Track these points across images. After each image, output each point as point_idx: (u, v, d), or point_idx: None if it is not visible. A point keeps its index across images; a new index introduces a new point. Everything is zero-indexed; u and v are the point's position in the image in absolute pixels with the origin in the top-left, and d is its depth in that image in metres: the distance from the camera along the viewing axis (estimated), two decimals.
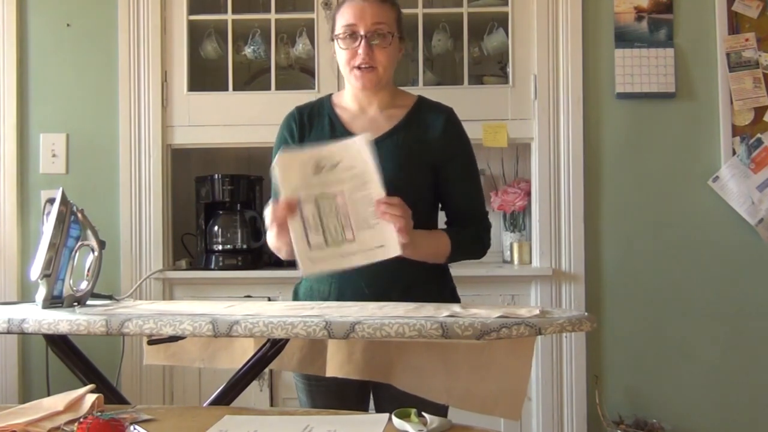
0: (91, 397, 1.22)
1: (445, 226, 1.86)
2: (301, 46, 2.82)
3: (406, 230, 1.57)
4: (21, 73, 2.81)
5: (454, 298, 1.85)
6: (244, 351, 1.73)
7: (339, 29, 1.76)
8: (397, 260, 1.59)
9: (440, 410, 1.69)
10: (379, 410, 1.83)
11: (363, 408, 1.83)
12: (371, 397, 1.86)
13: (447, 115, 1.83)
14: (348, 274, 1.66)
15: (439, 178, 1.81)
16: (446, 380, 1.57)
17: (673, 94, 2.71)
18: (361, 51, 1.73)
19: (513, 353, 1.48)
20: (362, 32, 1.73)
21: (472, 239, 1.83)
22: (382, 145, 1.70)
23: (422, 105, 1.85)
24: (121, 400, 1.62)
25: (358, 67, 1.74)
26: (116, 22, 2.78)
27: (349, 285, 1.75)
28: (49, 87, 2.82)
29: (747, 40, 2.70)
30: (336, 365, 1.65)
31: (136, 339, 2.59)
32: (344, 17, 1.75)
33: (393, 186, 1.61)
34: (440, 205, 1.88)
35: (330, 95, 1.91)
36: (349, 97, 1.85)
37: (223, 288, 2.70)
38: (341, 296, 1.76)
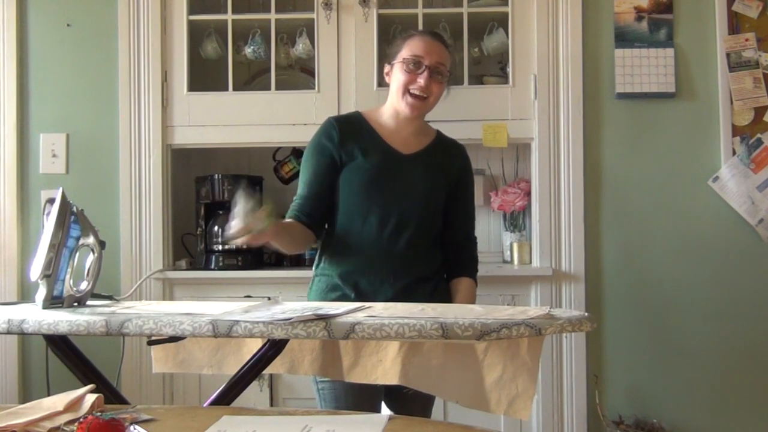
0: (91, 397, 1.21)
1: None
2: (301, 46, 2.82)
3: None
4: (21, 73, 2.81)
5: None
6: (251, 355, 1.73)
7: (407, 55, 1.96)
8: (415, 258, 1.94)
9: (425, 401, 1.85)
10: (391, 407, 1.93)
11: (378, 404, 1.92)
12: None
13: (463, 149, 2.13)
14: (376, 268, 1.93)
15: (448, 199, 2.04)
16: (457, 380, 1.59)
17: (673, 94, 2.71)
18: (422, 80, 1.94)
19: (521, 354, 1.49)
20: (427, 64, 1.94)
21: (475, 266, 2.14)
22: (417, 161, 2.00)
23: (442, 137, 2.12)
24: (121, 400, 1.62)
25: (413, 94, 1.94)
26: (116, 22, 2.78)
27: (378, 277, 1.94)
28: (49, 87, 2.82)
29: (747, 40, 2.70)
30: (347, 370, 1.71)
31: (136, 339, 2.59)
32: (414, 47, 1.96)
33: (425, 198, 1.96)
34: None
35: (358, 112, 2.09)
36: (388, 116, 2.03)
37: (223, 288, 2.70)
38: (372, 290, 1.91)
